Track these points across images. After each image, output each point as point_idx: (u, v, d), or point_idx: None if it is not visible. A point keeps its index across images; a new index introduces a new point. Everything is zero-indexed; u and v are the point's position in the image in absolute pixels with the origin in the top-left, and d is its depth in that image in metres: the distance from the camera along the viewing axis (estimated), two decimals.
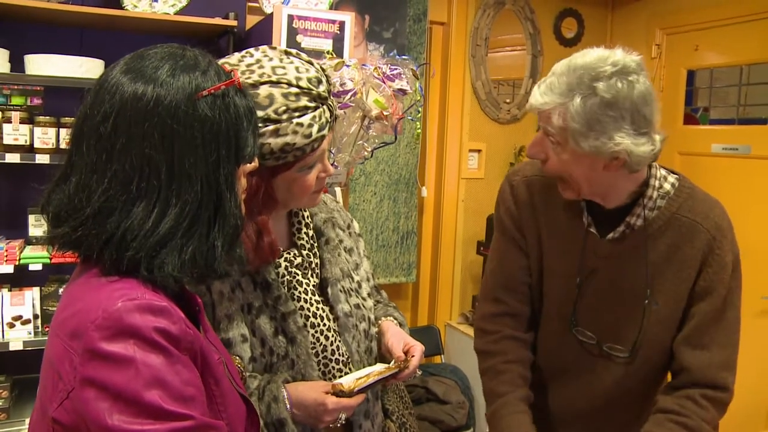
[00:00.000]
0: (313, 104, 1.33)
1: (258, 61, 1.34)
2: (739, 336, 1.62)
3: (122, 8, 2.67)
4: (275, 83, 1.30)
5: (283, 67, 1.33)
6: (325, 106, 1.36)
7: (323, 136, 1.35)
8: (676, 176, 1.65)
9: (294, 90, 1.31)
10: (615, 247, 1.64)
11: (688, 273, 1.60)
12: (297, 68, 1.34)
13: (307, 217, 1.58)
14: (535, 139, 1.59)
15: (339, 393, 1.39)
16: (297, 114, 1.30)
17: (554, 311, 1.76)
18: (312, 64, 1.38)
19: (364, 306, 1.59)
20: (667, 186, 1.61)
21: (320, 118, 1.34)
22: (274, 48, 1.39)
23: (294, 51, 1.39)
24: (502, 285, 1.79)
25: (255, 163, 1.13)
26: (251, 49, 1.38)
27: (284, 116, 1.29)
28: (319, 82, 1.35)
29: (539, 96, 1.51)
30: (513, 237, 1.77)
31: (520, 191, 1.76)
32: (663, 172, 1.63)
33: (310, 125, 1.32)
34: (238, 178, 1.07)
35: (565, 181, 1.58)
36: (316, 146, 1.35)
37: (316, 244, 1.57)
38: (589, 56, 1.46)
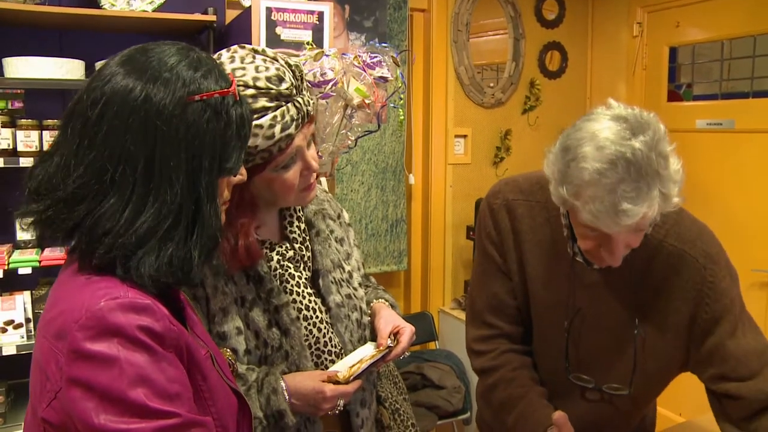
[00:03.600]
0: (272, 104, 1.30)
1: (221, 64, 1.31)
2: (761, 332, 1.55)
3: (100, 8, 2.65)
4: None
5: (243, 68, 1.31)
6: (289, 104, 1.32)
7: (289, 136, 1.33)
8: None
9: (250, 91, 1.29)
10: (602, 276, 1.57)
11: (676, 305, 1.54)
12: (257, 68, 1.31)
13: (299, 210, 1.58)
14: (617, 250, 1.41)
15: (335, 382, 1.41)
16: (255, 116, 1.27)
17: (547, 351, 1.70)
18: (276, 60, 1.35)
19: (355, 296, 1.60)
20: None
21: (282, 117, 1.31)
22: (244, 47, 1.37)
23: (260, 48, 1.37)
24: (489, 308, 1.73)
25: (242, 177, 1.12)
26: (223, 50, 1.37)
27: None
28: (281, 80, 1.32)
29: (640, 209, 1.29)
30: (495, 261, 1.70)
31: (500, 216, 1.69)
32: None
33: (271, 126, 1.29)
34: (221, 190, 1.06)
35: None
36: (283, 146, 1.33)
37: (307, 237, 1.57)
38: (624, 142, 1.30)
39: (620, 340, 1.60)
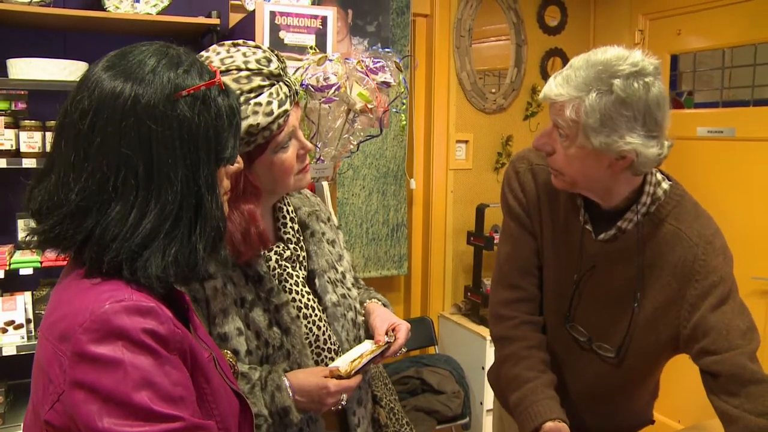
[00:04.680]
0: (266, 82, 1.36)
1: (207, 58, 1.38)
2: (752, 316, 1.57)
3: (104, 10, 2.66)
4: (224, 72, 1.33)
5: (231, 56, 1.37)
6: (281, 83, 1.38)
7: (286, 111, 1.38)
8: (670, 183, 1.64)
9: (244, 73, 1.34)
10: (605, 248, 1.65)
11: (667, 280, 1.61)
12: (244, 53, 1.37)
13: (291, 211, 1.61)
14: (544, 131, 1.60)
15: (337, 377, 1.43)
16: (252, 95, 1.34)
17: (550, 304, 1.78)
18: (259, 47, 1.41)
19: (349, 296, 1.64)
20: (659, 192, 1.62)
21: (278, 95, 1.37)
22: (223, 44, 1.42)
23: (241, 41, 1.42)
24: (518, 269, 1.80)
25: (239, 165, 1.13)
26: (203, 51, 1.41)
27: (241, 99, 1.31)
28: (269, 61, 1.38)
29: (555, 87, 1.50)
30: (523, 222, 1.78)
31: (525, 179, 1.77)
32: (659, 177, 1.63)
33: (269, 102, 1.35)
34: (220, 180, 1.06)
35: (561, 173, 1.58)
36: (282, 123, 1.38)
37: (301, 238, 1.60)
38: (608, 53, 1.46)
39: (618, 312, 1.67)
